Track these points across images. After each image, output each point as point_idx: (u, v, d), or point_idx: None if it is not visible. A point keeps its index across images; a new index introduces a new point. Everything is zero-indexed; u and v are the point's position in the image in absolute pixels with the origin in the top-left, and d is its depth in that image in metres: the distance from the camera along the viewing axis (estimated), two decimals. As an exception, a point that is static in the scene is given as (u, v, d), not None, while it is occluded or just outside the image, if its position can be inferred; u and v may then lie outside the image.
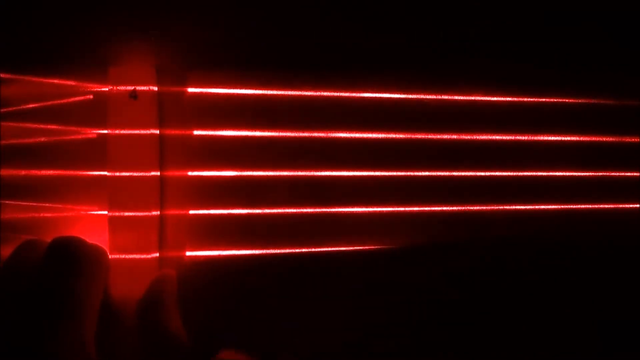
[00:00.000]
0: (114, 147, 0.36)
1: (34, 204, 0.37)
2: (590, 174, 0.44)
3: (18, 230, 0.37)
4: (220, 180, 0.39)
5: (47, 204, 0.37)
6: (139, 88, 0.36)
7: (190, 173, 0.39)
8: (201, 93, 0.39)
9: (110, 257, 0.35)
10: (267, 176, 0.39)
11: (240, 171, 0.39)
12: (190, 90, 0.39)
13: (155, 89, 0.37)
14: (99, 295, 0.31)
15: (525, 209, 0.43)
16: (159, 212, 0.37)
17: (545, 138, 0.44)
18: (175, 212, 0.38)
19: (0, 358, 0.28)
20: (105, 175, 0.36)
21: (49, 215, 0.37)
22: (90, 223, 0.37)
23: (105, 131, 0.37)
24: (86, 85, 0.38)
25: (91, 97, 0.37)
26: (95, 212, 0.37)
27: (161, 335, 0.33)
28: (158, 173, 0.37)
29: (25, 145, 0.37)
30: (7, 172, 0.37)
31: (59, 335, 0.28)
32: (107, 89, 0.37)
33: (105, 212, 0.36)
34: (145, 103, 0.36)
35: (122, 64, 0.38)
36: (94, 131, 0.37)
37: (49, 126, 0.38)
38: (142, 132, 0.36)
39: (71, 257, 0.31)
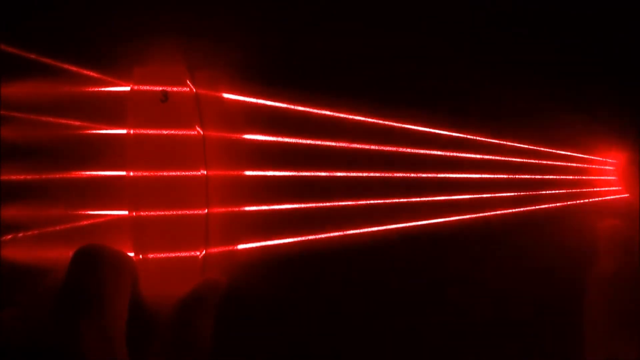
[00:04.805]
0: (136, 147, 0.36)
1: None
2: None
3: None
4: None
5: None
6: (169, 89, 0.36)
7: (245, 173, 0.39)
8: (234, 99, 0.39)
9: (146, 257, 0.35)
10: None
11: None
12: (226, 95, 0.39)
13: (187, 89, 0.37)
14: (125, 296, 0.32)
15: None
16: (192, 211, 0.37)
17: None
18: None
19: (27, 353, 0.29)
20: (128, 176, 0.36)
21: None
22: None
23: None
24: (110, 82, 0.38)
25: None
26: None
27: (192, 341, 0.34)
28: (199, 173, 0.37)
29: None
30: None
31: (81, 331, 0.29)
32: (128, 89, 0.37)
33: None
34: (178, 104, 0.36)
35: (149, 64, 0.38)
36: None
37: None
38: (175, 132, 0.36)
39: (93, 260, 0.32)
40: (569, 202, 0.45)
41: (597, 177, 0.46)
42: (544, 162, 0.45)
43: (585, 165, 0.46)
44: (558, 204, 0.45)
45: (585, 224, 0.45)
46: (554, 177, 0.45)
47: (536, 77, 0.44)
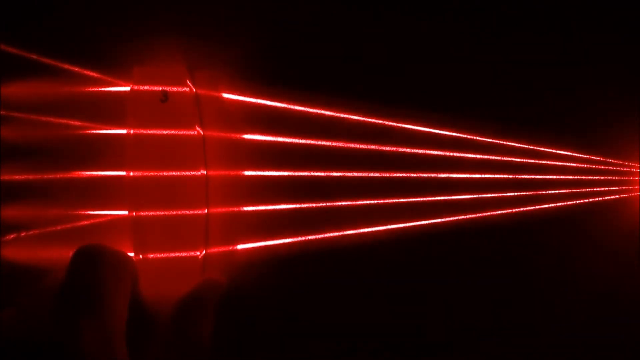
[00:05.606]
0: (136, 147, 0.36)
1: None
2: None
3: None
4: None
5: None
6: (169, 89, 0.36)
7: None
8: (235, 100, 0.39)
9: (146, 257, 0.35)
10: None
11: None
12: (226, 95, 0.39)
13: (187, 89, 0.37)
14: (125, 296, 0.32)
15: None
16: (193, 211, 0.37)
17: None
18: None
19: (27, 353, 0.29)
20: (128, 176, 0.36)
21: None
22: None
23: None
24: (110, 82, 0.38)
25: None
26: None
27: (192, 341, 0.34)
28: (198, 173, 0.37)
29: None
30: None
31: (81, 331, 0.29)
32: (128, 89, 0.37)
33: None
34: (178, 104, 0.36)
35: (149, 64, 0.38)
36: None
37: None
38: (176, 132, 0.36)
39: (93, 260, 0.32)
40: (568, 203, 0.45)
41: (595, 178, 0.46)
42: (544, 162, 0.45)
43: (586, 166, 0.46)
44: (559, 204, 0.45)
45: (584, 225, 0.45)
46: (555, 177, 0.45)
47: (538, 77, 0.44)
